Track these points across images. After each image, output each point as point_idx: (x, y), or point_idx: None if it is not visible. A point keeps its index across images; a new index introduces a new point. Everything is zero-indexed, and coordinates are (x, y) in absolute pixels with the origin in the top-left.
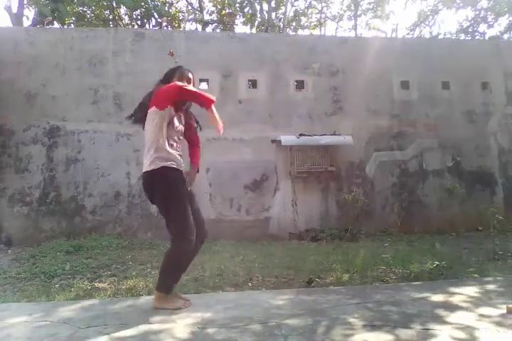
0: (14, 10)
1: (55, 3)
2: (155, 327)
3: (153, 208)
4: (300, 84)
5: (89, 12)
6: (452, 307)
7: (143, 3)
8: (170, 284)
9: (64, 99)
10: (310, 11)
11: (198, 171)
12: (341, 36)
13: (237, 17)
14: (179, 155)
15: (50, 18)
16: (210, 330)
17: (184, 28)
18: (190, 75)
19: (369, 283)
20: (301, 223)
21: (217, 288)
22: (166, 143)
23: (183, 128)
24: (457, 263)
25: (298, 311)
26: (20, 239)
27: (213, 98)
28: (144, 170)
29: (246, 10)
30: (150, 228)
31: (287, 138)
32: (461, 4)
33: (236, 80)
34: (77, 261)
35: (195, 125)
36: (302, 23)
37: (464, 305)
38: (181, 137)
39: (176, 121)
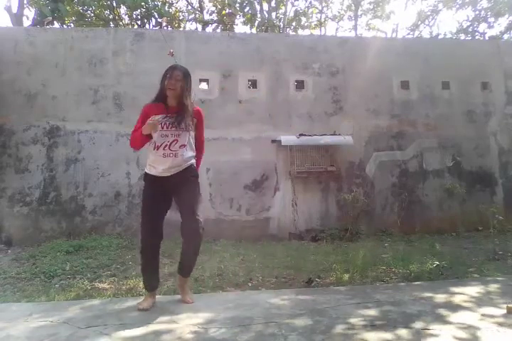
0: (14, 10)
1: (55, 3)
2: (155, 327)
3: None
4: (300, 84)
5: (89, 12)
6: (452, 307)
7: (143, 3)
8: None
9: (64, 99)
10: (310, 11)
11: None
12: (341, 36)
13: (237, 17)
14: (164, 156)
15: (50, 18)
16: (211, 330)
17: (184, 28)
18: (170, 74)
19: (369, 283)
20: (301, 223)
21: (217, 288)
22: (152, 148)
23: (172, 127)
24: (457, 263)
25: (298, 311)
26: (20, 239)
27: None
28: None
29: (246, 10)
30: None
31: (287, 138)
32: (461, 4)
33: (236, 80)
34: (77, 261)
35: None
36: (302, 23)
37: (464, 304)
38: (171, 137)
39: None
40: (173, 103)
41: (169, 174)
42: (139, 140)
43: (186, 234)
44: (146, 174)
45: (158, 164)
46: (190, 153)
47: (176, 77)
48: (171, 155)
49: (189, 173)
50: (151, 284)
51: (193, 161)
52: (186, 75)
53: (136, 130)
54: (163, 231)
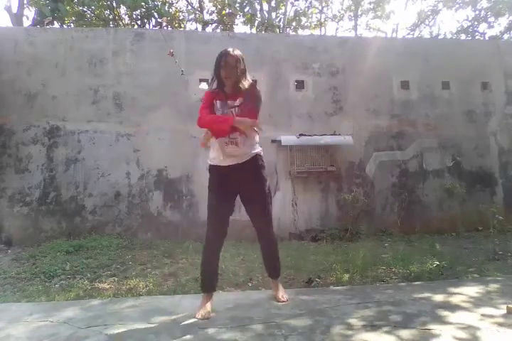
0: (14, 10)
1: (55, 3)
2: (155, 327)
3: (153, 208)
4: (300, 84)
5: (89, 12)
6: (452, 307)
7: (143, 3)
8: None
9: (64, 99)
10: (310, 11)
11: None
12: (341, 36)
13: (237, 17)
14: (226, 143)
15: (50, 18)
16: (210, 330)
17: (184, 28)
18: (223, 58)
19: (369, 283)
20: (301, 223)
21: (218, 288)
22: (213, 141)
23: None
24: (457, 263)
25: (298, 311)
26: (20, 239)
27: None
28: None
29: (246, 10)
30: (150, 228)
31: (287, 138)
32: (461, 4)
33: None
34: (77, 261)
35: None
36: (302, 23)
37: (464, 304)
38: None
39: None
40: (230, 90)
41: (229, 164)
42: (218, 129)
43: (262, 242)
44: (209, 166)
45: (219, 152)
46: (249, 141)
47: (230, 64)
48: (231, 143)
49: (251, 166)
50: (212, 283)
51: (257, 151)
52: (239, 59)
53: (205, 108)
54: (228, 228)
